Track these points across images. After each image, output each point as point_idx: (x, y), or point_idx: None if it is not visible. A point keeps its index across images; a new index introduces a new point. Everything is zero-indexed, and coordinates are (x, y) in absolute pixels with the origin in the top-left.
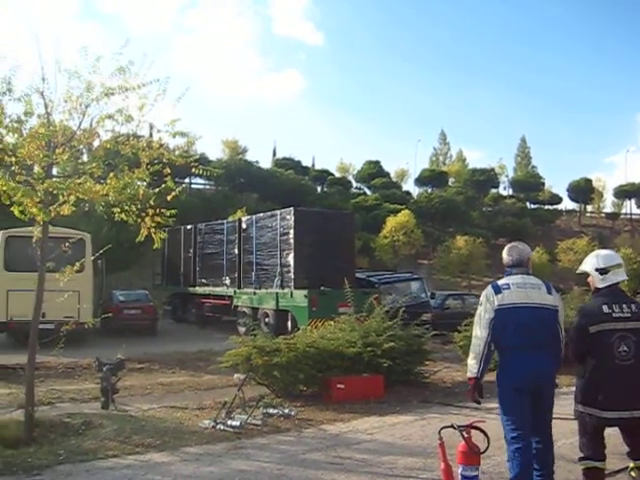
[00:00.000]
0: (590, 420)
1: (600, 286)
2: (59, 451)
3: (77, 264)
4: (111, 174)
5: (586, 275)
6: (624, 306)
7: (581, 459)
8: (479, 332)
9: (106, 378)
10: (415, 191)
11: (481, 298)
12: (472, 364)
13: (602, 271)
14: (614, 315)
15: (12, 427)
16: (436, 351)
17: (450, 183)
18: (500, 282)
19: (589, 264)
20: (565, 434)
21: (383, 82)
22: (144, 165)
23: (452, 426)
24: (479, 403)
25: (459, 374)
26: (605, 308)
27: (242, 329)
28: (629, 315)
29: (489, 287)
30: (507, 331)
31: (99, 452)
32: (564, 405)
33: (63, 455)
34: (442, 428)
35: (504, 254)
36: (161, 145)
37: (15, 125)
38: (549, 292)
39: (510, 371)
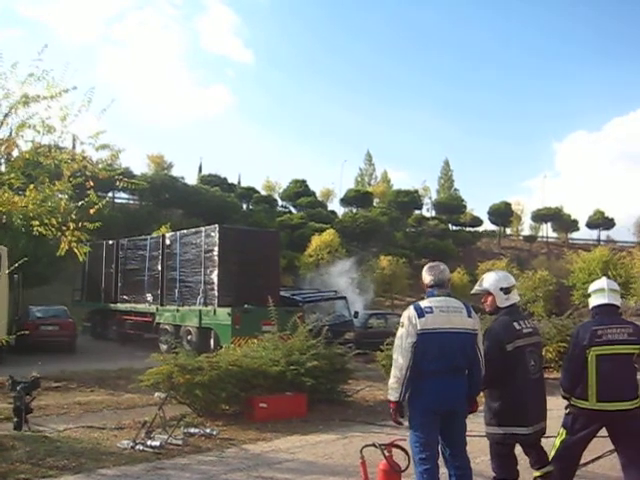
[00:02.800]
0: (506, 440)
1: (503, 305)
2: None
3: None
4: (31, 186)
5: (482, 294)
6: (526, 322)
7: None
8: (400, 356)
9: (19, 397)
10: (340, 211)
11: (402, 319)
12: (394, 388)
13: (506, 290)
14: (524, 331)
15: None
16: (359, 370)
17: (375, 203)
18: (422, 304)
19: (490, 283)
20: (483, 450)
21: (311, 101)
22: (66, 177)
23: (374, 445)
24: (401, 424)
25: (381, 393)
26: (516, 325)
27: (164, 347)
28: (531, 330)
29: (411, 308)
30: (427, 356)
31: (9, 476)
32: (475, 423)
33: None
34: (364, 447)
35: (424, 274)
36: (84, 158)
37: None
38: (469, 315)
39: (426, 394)
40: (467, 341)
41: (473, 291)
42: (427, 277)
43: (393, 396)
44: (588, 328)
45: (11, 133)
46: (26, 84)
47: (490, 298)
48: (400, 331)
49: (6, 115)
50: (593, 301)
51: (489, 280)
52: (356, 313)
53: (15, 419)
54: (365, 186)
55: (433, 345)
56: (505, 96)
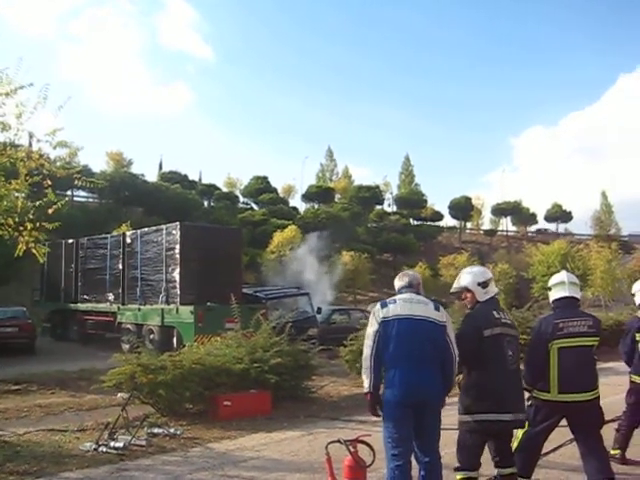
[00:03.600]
0: (478, 427)
1: (483, 299)
2: None
3: None
4: None
5: (461, 292)
6: (504, 313)
7: (457, 469)
8: (366, 347)
9: None
10: (302, 207)
11: (370, 315)
12: (364, 379)
13: (483, 285)
14: (502, 320)
15: None
16: (323, 366)
17: (336, 199)
18: (388, 299)
19: (468, 280)
20: (448, 444)
21: (272, 97)
22: (22, 176)
23: (339, 441)
24: (378, 416)
25: (345, 388)
26: (495, 314)
27: (126, 346)
28: (509, 322)
29: (377, 304)
30: (390, 342)
31: None
32: (447, 416)
33: None
34: (329, 443)
35: (396, 281)
36: (41, 156)
37: None
38: (436, 308)
39: (393, 386)
40: (434, 331)
41: (452, 290)
42: (398, 282)
43: (365, 387)
44: (550, 321)
45: None
46: None
47: (469, 295)
48: (367, 326)
49: None
50: (554, 294)
51: (466, 277)
52: (319, 309)
53: None
54: (326, 182)
55: (393, 331)
56: (464, 88)
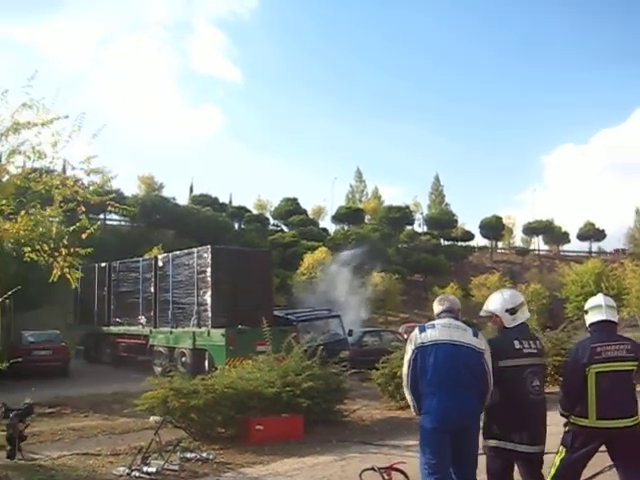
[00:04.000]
0: (502, 454)
1: (510, 326)
2: None
3: None
4: (22, 212)
5: (490, 315)
6: (531, 342)
7: None
8: (405, 376)
9: (13, 425)
10: (332, 228)
11: (408, 343)
12: (410, 406)
13: (512, 311)
14: (524, 351)
15: None
16: (355, 389)
17: (366, 220)
18: (427, 324)
19: (497, 305)
20: (482, 469)
21: (300, 119)
22: (57, 203)
23: (373, 468)
24: None
25: (378, 412)
26: (516, 344)
27: (158, 369)
28: (535, 351)
29: (416, 329)
30: (427, 369)
31: None
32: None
33: None
34: (363, 470)
35: (435, 304)
36: (75, 182)
37: None
38: (475, 335)
39: (431, 412)
40: (472, 356)
41: (481, 313)
42: (437, 306)
43: (415, 412)
44: (587, 346)
45: (0, 159)
46: (17, 112)
47: (498, 320)
48: (406, 352)
49: None
50: (590, 318)
51: (495, 302)
52: (350, 331)
53: (8, 447)
54: (356, 203)
55: (430, 355)
56: (494, 108)
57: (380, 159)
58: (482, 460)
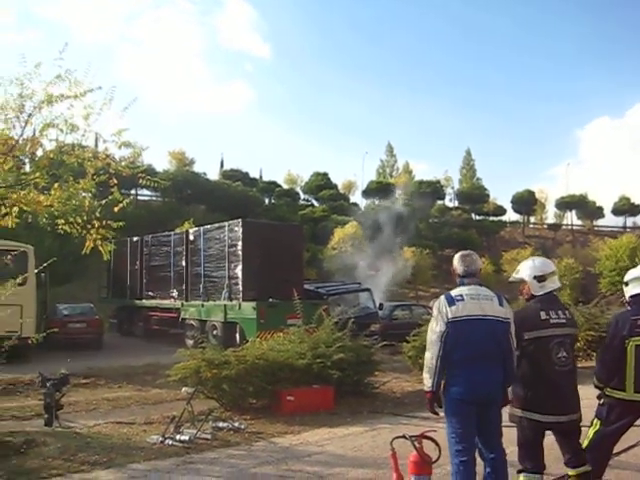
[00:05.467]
0: (529, 425)
1: (538, 293)
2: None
3: (20, 277)
4: (55, 184)
5: (519, 282)
6: (559, 312)
7: (520, 471)
8: (431, 346)
9: (50, 394)
10: (362, 203)
11: (434, 309)
12: (426, 378)
13: (540, 278)
14: (551, 321)
15: None
16: (385, 362)
17: (397, 195)
18: (453, 293)
19: (526, 272)
20: (512, 441)
21: (330, 94)
22: (89, 176)
23: (404, 436)
24: (437, 414)
25: (408, 384)
26: (542, 314)
27: (190, 342)
28: (564, 321)
29: (442, 298)
30: (459, 344)
31: (42, 471)
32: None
33: (4, 476)
34: (394, 438)
35: (457, 263)
36: (107, 155)
37: None
38: (500, 304)
39: (458, 383)
40: (499, 329)
41: (510, 279)
42: (459, 267)
43: (427, 386)
44: (627, 318)
45: (34, 133)
46: (50, 84)
47: (526, 286)
48: (431, 322)
49: (30, 115)
50: (630, 290)
51: (524, 268)
52: (381, 305)
53: (46, 415)
54: (387, 178)
55: (464, 332)
56: (527, 80)
57: (411, 134)
58: (512, 431)
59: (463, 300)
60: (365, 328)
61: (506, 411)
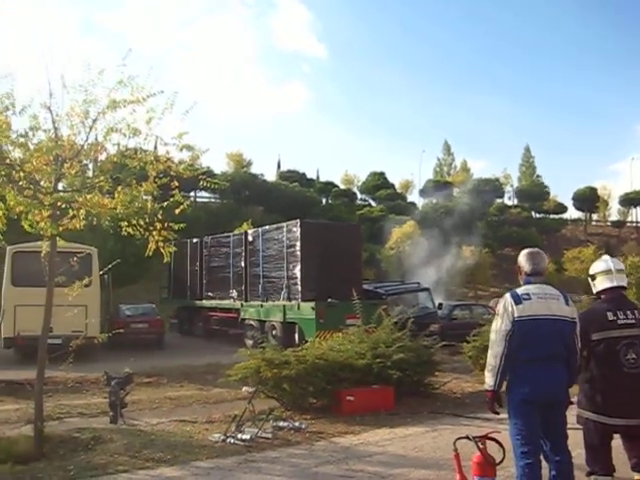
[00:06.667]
0: (595, 427)
1: (606, 286)
2: (69, 466)
3: (86, 279)
4: (119, 188)
5: (592, 279)
6: (628, 312)
7: (589, 474)
8: (495, 344)
9: (114, 392)
10: (420, 202)
11: (498, 307)
12: (488, 377)
13: (592, 277)
14: (619, 322)
15: (22, 442)
16: (445, 362)
17: (455, 193)
18: (519, 291)
19: (596, 267)
20: (579, 444)
21: (386, 93)
22: (151, 178)
23: (467, 437)
24: (498, 414)
25: (469, 385)
26: (610, 315)
27: (249, 342)
28: (634, 322)
29: (507, 296)
30: (525, 343)
31: (109, 467)
32: (574, 415)
33: (73, 470)
34: (457, 439)
35: (525, 261)
36: (168, 159)
37: (21, 140)
38: (567, 303)
39: (523, 384)
40: (566, 329)
41: (589, 274)
42: (526, 265)
43: (488, 385)
44: None
45: (96, 137)
46: (113, 90)
47: (593, 284)
48: (496, 320)
49: (94, 120)
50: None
51: (594, 266)
52: (440, 305)
53: (111, 413)
54: (444, 176)
55: (530, 332)
56: (587, 75)
57: (468, 132)
58: (578, 434)
59: (530, 299)
60: (424, 328)
61: (571, 413)
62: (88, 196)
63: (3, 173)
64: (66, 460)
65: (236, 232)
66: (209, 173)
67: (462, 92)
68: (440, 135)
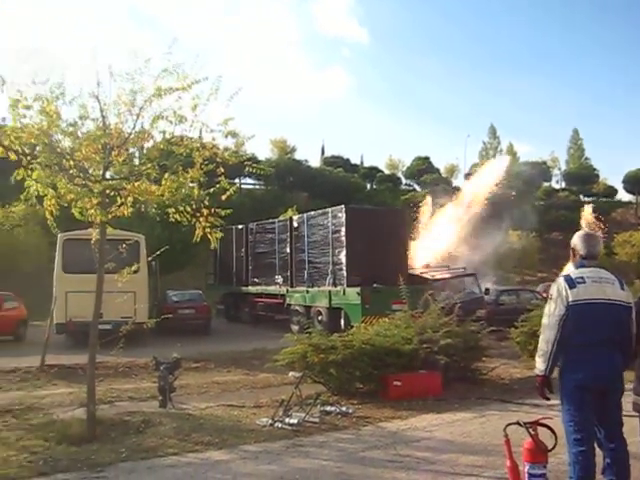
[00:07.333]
0: None
1: None
2: (121, 449)
3: (134, 265)
4: (166, 175)
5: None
6: None
7: None
8: (548, 329)
9: (163, 377)
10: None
11: (551, 290)
12: (540, 362)
13: None
14: None
15: (75, 425)
16: (492, 347)
17: (501, 177)
18: (573, 275)
19: None
20: (635, 431)
21: (430, 77)
22: (198, 165)
23: (518, 423)
24: (548, 400)
25: (517, 371)
26: None
27: (295, 327)
28: None
29: (561, 280)
30: (579, 328)
31: (159, 450)
32: (629, 402)
33: (125, 453)
34: (508, 425)
35: (579, 243)
36: (214, 145)
37: (71, 129)
38: (622, 287)
39: (577, 369)
40: (621, 313)
41: None
42: (582, 247)
43: (539, 369)
44: None
45: (142, 125)
46: (159, 78)
47: None
48: (548, 304)
49: (141, 108)
50: None
51: None
52: (487, 290)
53: (160, 397)
54: (490, 160)
55: (585, 316)
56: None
57: (514, 115)
58: (635, 421)
59: (584, 282)
60: (471, 313)
61: (626, 400)
62: (136, 183)
63: (55, 162)
64: (117, 443)
65: (281, 218)
66: (254, 159)
67: (505, 79)
68: (485, 121)
